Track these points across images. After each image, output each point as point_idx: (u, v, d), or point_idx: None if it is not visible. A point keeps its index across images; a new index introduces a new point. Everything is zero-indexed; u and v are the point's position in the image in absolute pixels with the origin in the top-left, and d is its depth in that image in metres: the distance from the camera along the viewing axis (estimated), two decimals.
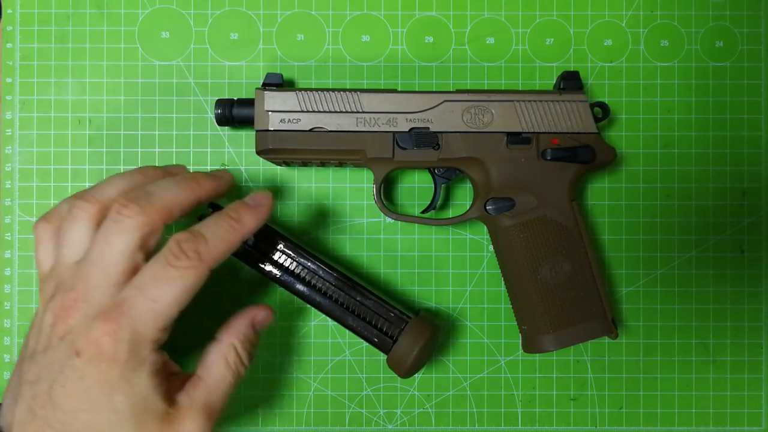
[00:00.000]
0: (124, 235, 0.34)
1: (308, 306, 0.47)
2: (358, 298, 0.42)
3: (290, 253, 0.42)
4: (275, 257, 0.42)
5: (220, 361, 0.37)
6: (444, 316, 0.48)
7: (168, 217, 0.35)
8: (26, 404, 0.33)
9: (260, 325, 0.40)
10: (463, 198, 0.48)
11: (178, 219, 0.36)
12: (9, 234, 0.47)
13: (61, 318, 0.33)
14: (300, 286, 0.42)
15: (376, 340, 0.42)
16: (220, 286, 0.47)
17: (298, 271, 0.42)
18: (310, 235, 0.47)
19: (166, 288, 0.33)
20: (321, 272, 0.42)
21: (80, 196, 0.36)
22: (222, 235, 0.35)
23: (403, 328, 0.42)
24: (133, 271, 0.34)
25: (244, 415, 0.47)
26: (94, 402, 0.33)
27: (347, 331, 0.45)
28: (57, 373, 0.33)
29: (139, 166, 0.37)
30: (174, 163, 0.47)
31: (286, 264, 0.42)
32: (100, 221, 0.35)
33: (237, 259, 0.43)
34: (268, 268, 0.42)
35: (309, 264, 0.42)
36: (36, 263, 0.38)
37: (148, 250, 0.35)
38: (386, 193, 0.48)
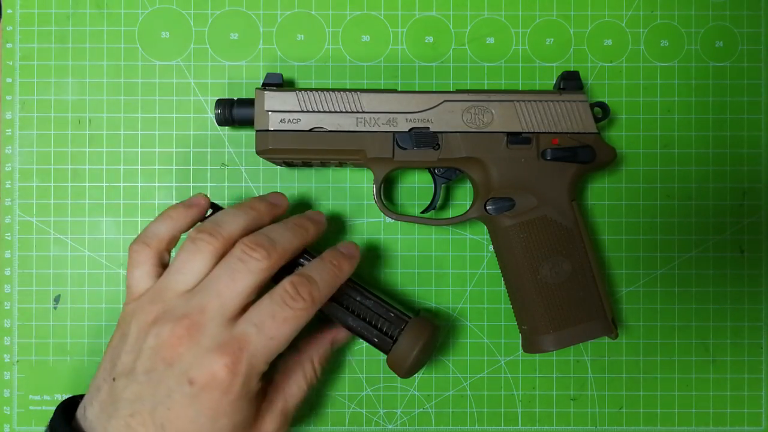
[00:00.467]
0: (249, 276, 0.36)
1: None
2: (357, 298, 0.42)
3: None
4: None
5: (299, 374, 0.40)
6: (444, 316, 0.48)
7: (283, 261, 0.38)
8: (123, 421, 0.35)
9: (338, 345, 0.43)
10: (463, 198, 0.48)
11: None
12: (9, 234, 0.47)
13: (169, 344, 0.35)
14: None
15: (376, 340, 0.42)
16: None
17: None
18: None
19: (283, 327, 0.36)
20: None
21: (205, 229, 0.38)
22: (328, 280, 0.39)
23: (403, 328, 0.42)
24: (245, 309, 0.36)
25: None
26: (199, 425, 0.35)
27: (347, 345, 0.45)
28: (163, 396, 0.34)
29: (246, 198, 0.42)
30: (174, 162, 0.47)
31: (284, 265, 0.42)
32: (220, 256, 0.37)
33: None
34: None
35: (307, 264, 0.42)
36: (129, 282, 0.39)
37: (260, 292, 0.37)
38: (386, 193, 0.48)
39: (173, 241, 0.40)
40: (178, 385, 0.34)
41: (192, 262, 0.37)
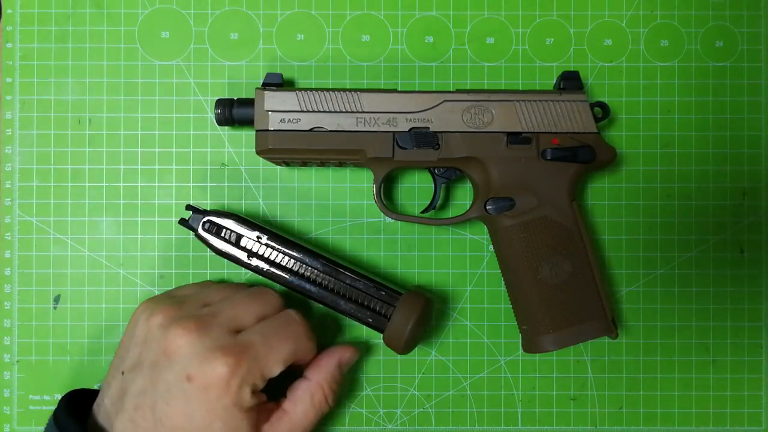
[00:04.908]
0: (266, 307, 0.40)
1: (308, 306, 0.47)
2: (347, 282, 0.42)
3: (274, 244, 0.43)
4: (260, 251, 0.43)
5: (307, 399, 0.40)
6: (443, 315, 0.48)
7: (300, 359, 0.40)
8: (128, 414, 0.36)
9: (346, 366, 0.42)
10: (463, 198, 0.48)
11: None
12: (9, 234, 0.47)
13: (173, 338, 0.36)
14: (288, 276, 0.42)
15: (370, 320, 0.42)
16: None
17: (284, 263, 0.43)
18: (310, 235, 0.47)
19: (285, 342, 0.38)
20: (307, 260, 0.42)
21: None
22: (316, 349, 0.41)
23: (395, 305, 0.42)
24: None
25: None
26: (195, 424, 0.35)
27: (347, 331, 0.45)
28: (163, 391, 0.35)
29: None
30: (174, 162, 0.47)
31: (272, 257, 0.43)
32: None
33: (222, 257, 0.43)
34: (255, 262, 0.42)
35: (294, 253, 0.43)
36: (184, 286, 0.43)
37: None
38: (386, 193, 0.48)
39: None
40: (177, 381, 0.35)
41: (235, 306, 0.39)
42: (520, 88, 0.48)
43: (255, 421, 0.37)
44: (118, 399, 0.37)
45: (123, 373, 0.37)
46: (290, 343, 0.38)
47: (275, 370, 0.37)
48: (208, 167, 0.47)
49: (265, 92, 0.42)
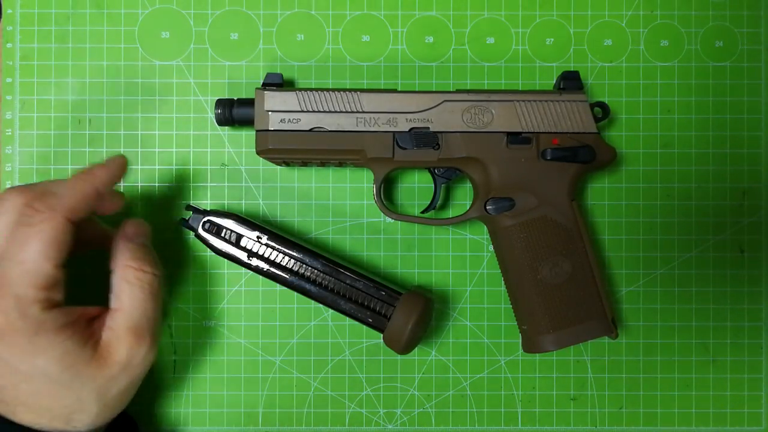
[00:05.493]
0: (6, 216, 0.35)
1: (308, 306, 0.47)
2: (347, 282, 0.43)
3: (274, 244, 0.43)
4: (260, 251, 0.43)
5: (124, 285, 0.38)
6: (443, 315, 0.48)
7: (59, 204, 0.36)
8: None
9: (138, 236, 0.40)
10: (463, 198, 0.48)
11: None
12: None
13: None
14: (288, 276, 0.42)
15: (370, 320, 0.42)
16: (220, 285, 0.47)
17: (284, 262, 0.43)
18: (310, 235, 0.47)
19: (29, 246, 0.34)
20: (307, 260, 0.43)
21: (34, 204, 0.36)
22: (71, 185, 0.36)
23: (395, 305, 0.42)
24: None
25: (245, 415, 0.47)
26: (23, 372, 0.34)
27: (347, 330, 0.45)
28: None
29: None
30: (174, 162, 0.47)
31: (272, 257, 0.43)
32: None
33: (222, 257, 0.43)
34: (255, 262, 0.43)
35: (294, 253, 0.43)
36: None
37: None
38: (386, 193, 0.48)
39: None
40: None
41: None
42: (520, 88, 0.48)
43: (85, 335, 0.36)
44: None
45: None
46: (36, 241, 0.34)
47: (48, 271, 0.34)
48: (208, 167, 0.47)
49: (265, 92, 0.42)
